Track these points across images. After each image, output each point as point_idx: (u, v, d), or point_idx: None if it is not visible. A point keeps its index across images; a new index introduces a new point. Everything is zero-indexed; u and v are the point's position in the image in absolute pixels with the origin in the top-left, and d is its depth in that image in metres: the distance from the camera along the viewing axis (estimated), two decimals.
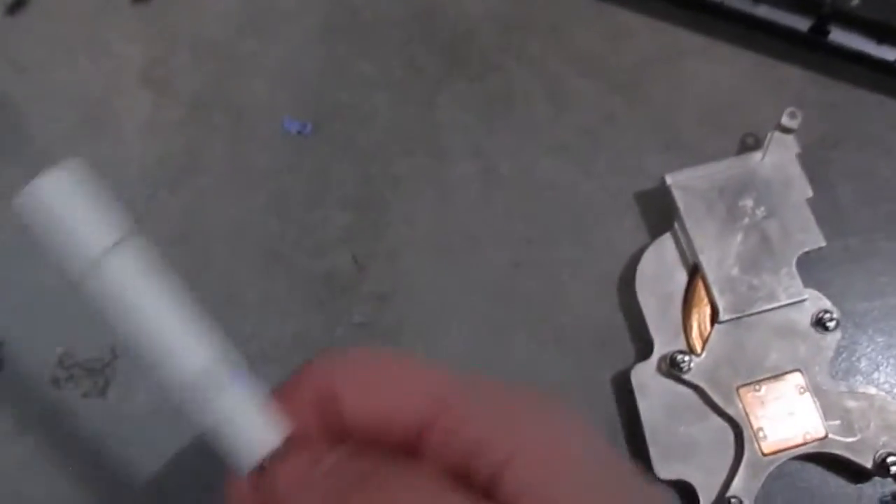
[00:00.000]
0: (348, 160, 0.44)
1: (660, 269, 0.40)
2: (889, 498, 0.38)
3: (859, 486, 0.38)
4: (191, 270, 0.41)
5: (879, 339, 0.41)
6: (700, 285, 0.40)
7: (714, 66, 0.46)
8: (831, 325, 0.39)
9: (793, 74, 0.46)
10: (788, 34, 0.45)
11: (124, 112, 0.46)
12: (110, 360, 0.40)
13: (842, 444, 0.37)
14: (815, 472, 0.38)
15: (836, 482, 0.38)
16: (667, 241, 0.41)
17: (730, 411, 0.37)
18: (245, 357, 0.39)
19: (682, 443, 0.37)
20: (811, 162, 0.42)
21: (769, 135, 0.42)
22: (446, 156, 0.44)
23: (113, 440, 0.39)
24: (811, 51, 0.46)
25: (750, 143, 0.44)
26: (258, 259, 0.42)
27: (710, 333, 0.39)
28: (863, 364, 0.40)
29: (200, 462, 0.38)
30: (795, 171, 0.41)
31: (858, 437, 0.37)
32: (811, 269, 0.41)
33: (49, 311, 0.41)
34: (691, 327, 0.39)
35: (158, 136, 0.45)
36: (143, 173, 0.44)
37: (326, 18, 0.47)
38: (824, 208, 0.42)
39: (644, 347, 0.39)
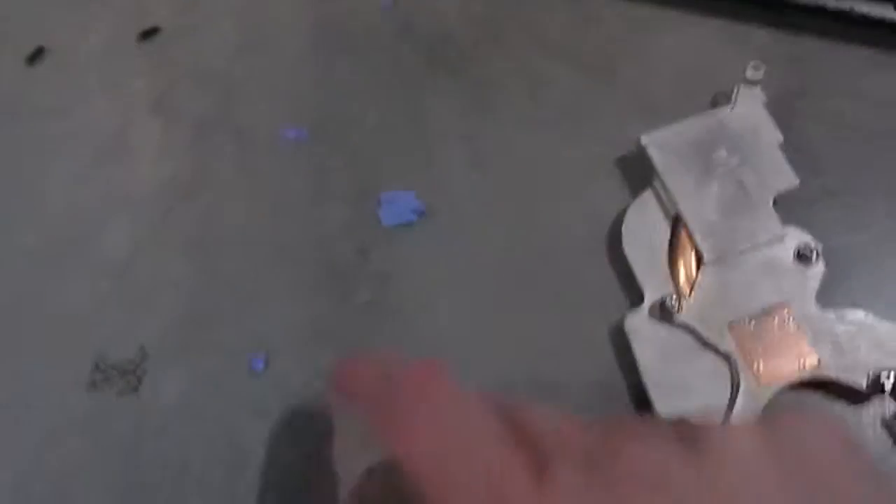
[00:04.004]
0: (343, 158, 0.47)
1: (643, 224, 0.42)
2: (891, 418, 0.39)
3: (858, 409, 0.39)
4: (207, 272, 0.45)
5: (863, 269, 0.42)
6: (683, 233, 0.42)
7: (680, 37, 0.49)
8: (813, 256, 0.40)
9: (756, 34, 0.48)
10: None
11: (137, 140, 0.50)
12: (141, 361, 0.43)
13: (835, 368, 0.38)
14: (815, 398, 0.39)
15: (836, 407, 0.39)
16: (648, 197, 0.43)
17: (722, 347, 0.39)
18: (265, 344, 0.42)
19: (679, 381, 0.39)
20: (781, 112, 0.45)
21: (735, 88, 0.44)
22: (434, 144, 0.47)
23: (147, 431, 0.42)
24: (771, 9, 0.48)
25: (720, 101, 0.46)
26: (268, 256, 0.45)
27: (696, 277, 0.41)
28: (848, 294, 0.41)
29: (227, 447, 0.41)
30: (764, 118, 0.44)
31: (850, 358, 0.38)
32: (791, 209, 0.42)
33: (81, 321, 0.44)
34: (678, 273, 0.41)
35: (170, 158, 0.49)
36: (159, 191, 0.47)
37: (315, 35, 0.51)
38: (797, 152, 0.43)
39: (636, 300, 0.41)
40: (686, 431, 0.20)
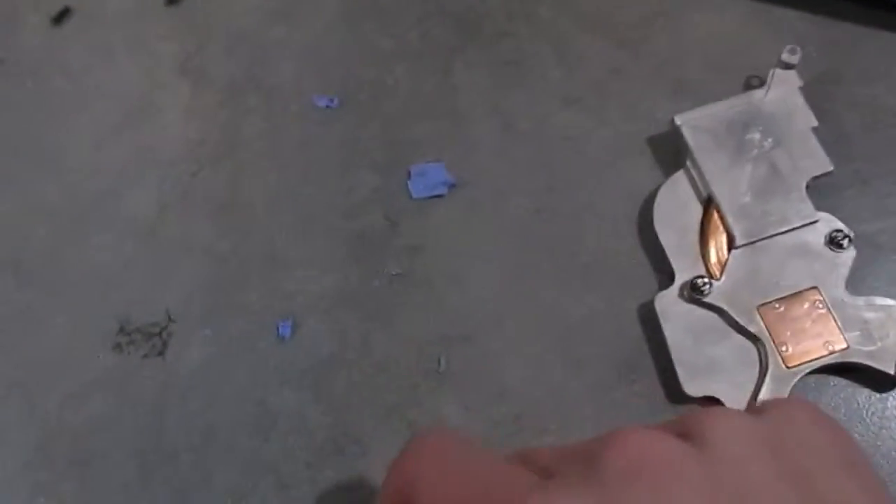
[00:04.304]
0: (374, 128, 0.47)
1: (675, 204, 0.42)
2: None
3: (885, 395, 0.39)
4: (236, 236, 0.45)
5: (892, 257, 0.42)
6: (715, 215, 0.41)
7: (713, 15, 0.48)
8: (845, 242, 0.40)
9: (789, 16, 0.48)
10: None
11: (165, 102, 0.49)
12: (167, 324, 0.43)
13: (863, 354, 0.38)
14: (841, 385, 0.40)
15: (861, 394, 0.39)
16: (680, 177, 0.43)
17: (751, 329, 0.39)
18: (292, 311, 0.42)
19: (707, 362, 0.39)
20: (815, 96, 0.44)
21: (771, 71, 0.44)
22: (465, 117, 0.47)
23: (172, 395, 0.42)
24: None
25: (754, 84, 0.46)
26: (297, 223, 0.45)
27: (727, 259, 0.41)
28: (878, 281, 0.41)
29: (253, 413, 0.41)
30: (799, 102, 0.43)
31: (879, 345, 0.38)
32: (822, 194, 0.42)
33: (106, 282, 0.44)
34: (709, 255, 0.41)
35: (198, 120, 0.48)
36: (187, 153, 0.47)
37: (346, 2, 0.51)
38: (830, 137, 0.43)
39: (666, 279, 0.41)
40: (681, 426, 0.20)
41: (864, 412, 0.39)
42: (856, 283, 0.40)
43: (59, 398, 0.42)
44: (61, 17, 0.52)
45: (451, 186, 0.45)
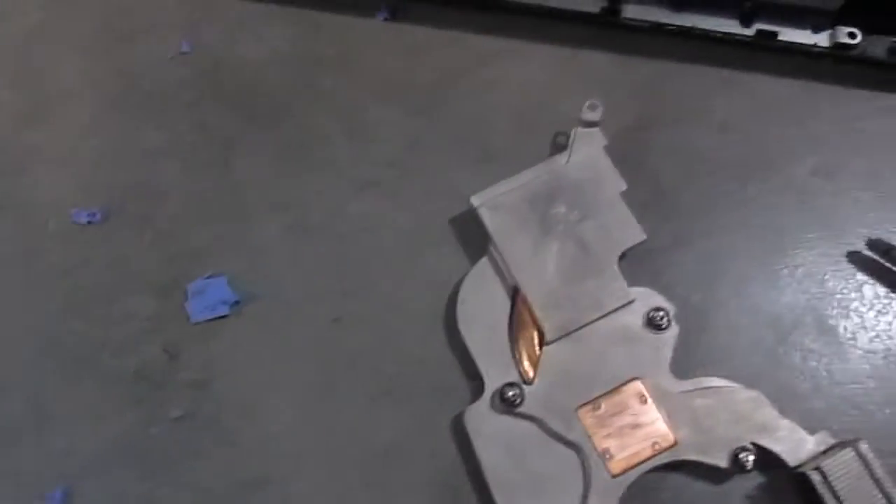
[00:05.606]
0: (146, 242, 0.41)
1: (481, 299, 0.38)
2: (755, 492, 0.36)
3: (723, 485, 0.36)
4: None
5: (722, 324, 0.38)
6: (523, 308, 0.37)
7: (515, 68, 0.44)
8: (664, 322, 0.37)
9: (597, 60, 0.44)
10: (583, 19, 0.43)
11: None
12: None
13: (693, 448, 0.35)
14: (675, 480, 0.36)
15: (697, 486, 0.36)
16: (484, 266, 0.38)
17: (572, 437, 0.35)
18: (64, 475, 0.37)
19: (529, 480, 0.35)
20: (628, 146, 0.41)
21: (572, 132, 0.40)
22: (250, 216, 0.41)
23: None
24: (609, 32, 0.43)
25: (562, 143, 0.41)
26: (63, 365, 0.39)
27: (539, 358, 0.37)
28: (709, 354, 0.38)
29: None
30: (605, 165, 0.39)
31: (709, 436, 0.35)
32: (640, 262, 0.39)
33: None
34: (521, 354, 0.37)
35: None
36: None
37: (107, 94, 0.44)
38: (646, 194, 0.40)
39: (479, 385, 0.37)
40: None
41: None
42: (682, 362, 0.37)
43: None
44: None
45: (236, 304, 0.39)
